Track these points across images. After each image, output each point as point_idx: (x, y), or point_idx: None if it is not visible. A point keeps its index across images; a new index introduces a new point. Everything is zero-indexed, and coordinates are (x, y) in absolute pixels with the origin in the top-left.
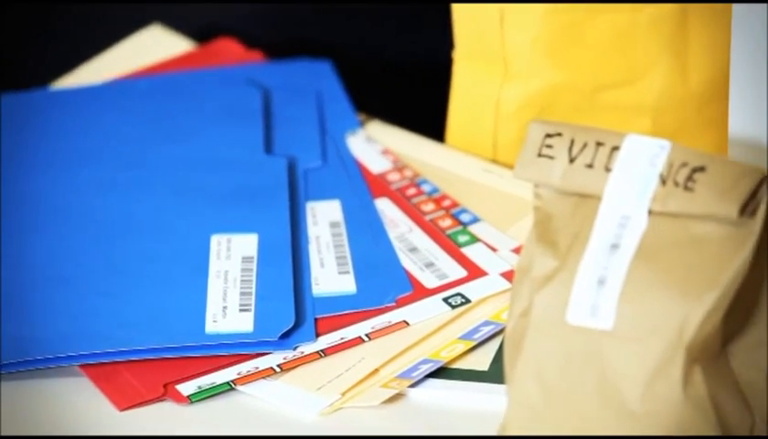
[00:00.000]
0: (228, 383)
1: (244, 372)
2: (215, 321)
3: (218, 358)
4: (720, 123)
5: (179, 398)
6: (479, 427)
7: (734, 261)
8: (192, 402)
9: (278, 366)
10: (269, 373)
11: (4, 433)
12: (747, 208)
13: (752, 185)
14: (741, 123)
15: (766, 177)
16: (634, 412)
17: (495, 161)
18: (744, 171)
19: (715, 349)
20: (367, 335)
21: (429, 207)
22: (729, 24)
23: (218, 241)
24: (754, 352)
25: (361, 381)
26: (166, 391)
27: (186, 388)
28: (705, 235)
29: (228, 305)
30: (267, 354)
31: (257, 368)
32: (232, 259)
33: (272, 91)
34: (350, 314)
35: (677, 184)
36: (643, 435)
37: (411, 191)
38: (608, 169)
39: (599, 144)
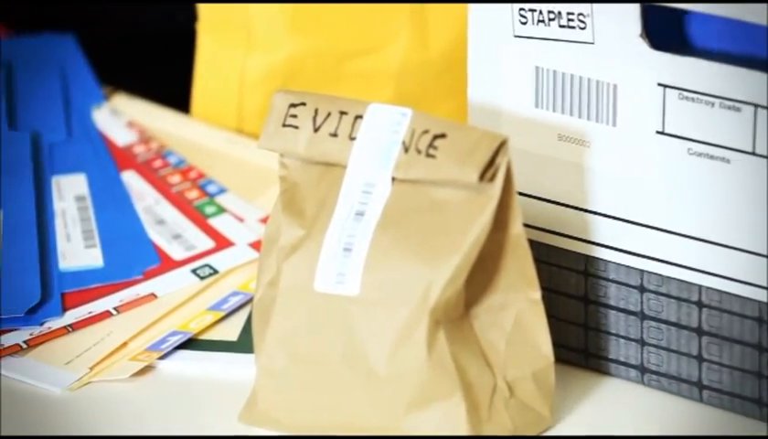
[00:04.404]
0: None
1: None
2: None
3: None
4: (461, 90)
5: None
6: (229, 397)
7: (475, 225)
8: None
9: (24, 342)
10: (15, 350)
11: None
12: (486, 173)
13: (491, 151)
14: (479, 90)
15: (504, 143)
16: (379, 376)
17: (241, 131)
18: (483, 137)
19: (458, 312)
20: (115, 308)
21: (175, 178)
22: None
23: None
24: (496, 314)
25: (110, 355)
26: None
27: None
28: (447, 201)
29: None
30: (13, 330)
31: (2, 345)
32: None
33: (14, 66)
34: (98, 287)
35: (419, 151)
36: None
37: (158, 163)
38: (352, 138)
39: (342, 112)
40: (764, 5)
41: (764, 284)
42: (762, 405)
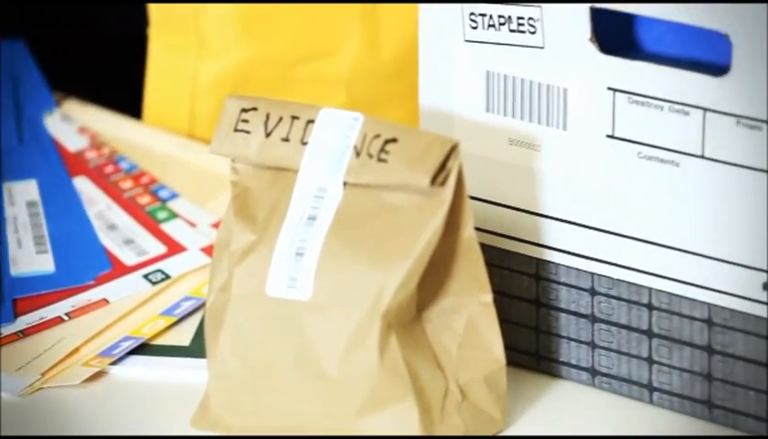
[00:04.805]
0: None
1: None
2: None
3: None
4: (412, 94)
5: None
6: (182, 402)
7: (426, 229)
8: None
9: None
10: None
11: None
12: (438, 177)
13: (442, 155)
14: (430, 94)
15: (455, 147)
16: (332, 379)
17: (192, 136)
18: (434, 141)
19: (410, 316)
20: (67, 314)
21: (127, 184)
22: None
23: None
24: (448, 318)
25: (62, 361)
26: None
27: None
28: (399, 205)
29: None
30: None
31: None
32: None
33: None
34: (49, 293)
35: (370, 155)
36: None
37: (110, 169)
38: (304, 142)
39: (294, 117)
40: (713, 9)
41: (712, 287)
42: (712, 406)
